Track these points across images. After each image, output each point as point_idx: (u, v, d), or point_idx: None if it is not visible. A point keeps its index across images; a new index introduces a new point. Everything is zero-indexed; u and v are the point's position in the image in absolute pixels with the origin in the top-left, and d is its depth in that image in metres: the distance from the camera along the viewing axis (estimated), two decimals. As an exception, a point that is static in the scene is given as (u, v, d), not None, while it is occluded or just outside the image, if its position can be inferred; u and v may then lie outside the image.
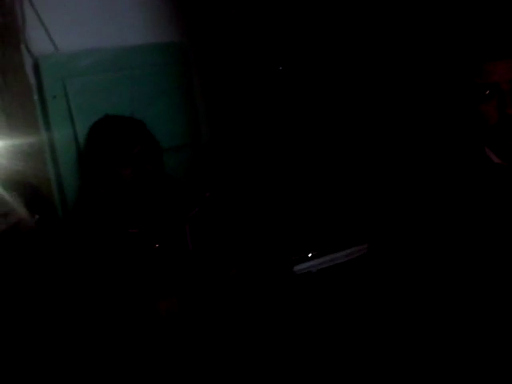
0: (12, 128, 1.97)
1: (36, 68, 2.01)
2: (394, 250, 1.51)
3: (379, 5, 2.25)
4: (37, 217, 1.72)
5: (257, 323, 1.79)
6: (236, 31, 2.36)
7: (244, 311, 1.81)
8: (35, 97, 2.03)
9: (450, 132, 1.62)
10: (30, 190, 1.88)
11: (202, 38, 2.33)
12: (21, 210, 1.85)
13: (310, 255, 2.00)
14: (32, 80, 2.02)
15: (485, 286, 1.32)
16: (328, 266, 1.99)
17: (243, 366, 1.69)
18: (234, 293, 1.84)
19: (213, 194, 2.02)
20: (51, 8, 2.03)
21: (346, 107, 2.40)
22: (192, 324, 1.75)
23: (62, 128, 2.06)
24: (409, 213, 1.48)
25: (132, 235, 1.79)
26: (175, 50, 2.23)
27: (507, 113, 1.20)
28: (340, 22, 2.34)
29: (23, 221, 1.79)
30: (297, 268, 1.97)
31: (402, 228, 1.49)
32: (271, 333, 1.77)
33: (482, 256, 1.32)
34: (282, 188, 2.34)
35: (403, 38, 2.20)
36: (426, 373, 1.39)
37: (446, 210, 1.38)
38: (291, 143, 2.40)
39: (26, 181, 1.89)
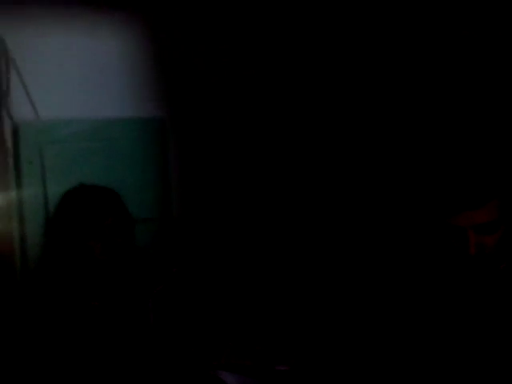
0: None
1: (15, 133, 2.04)
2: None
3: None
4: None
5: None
6: (215, 110, 2.46)
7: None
8: (10, 160, 2.05)
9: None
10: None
11: (182, 115, 2.41)
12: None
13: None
14: (9, 144, 2.04)
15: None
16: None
17: None
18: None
19: (180, 270, 2.01)
20: (36, 75, 2.09)
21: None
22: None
23: (34, 191, 2.07)
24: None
25: (93, 307, 1.76)
26: (153, 124, 2.29)
27: (470, 253, 1.41)
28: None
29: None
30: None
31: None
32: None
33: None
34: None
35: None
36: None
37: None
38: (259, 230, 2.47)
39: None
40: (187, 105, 2.40)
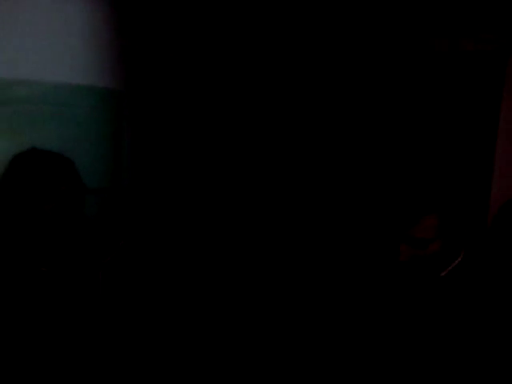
0: None
1: (-35, 89, 1.96)
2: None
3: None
4: None
5: None
6: (171, 83, 2.47)
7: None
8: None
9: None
10: None
11: (138, 88, 2.40)
12: None
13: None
14: (-42, 100, 1.96)
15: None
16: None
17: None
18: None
19: (126, 243, 2.04)
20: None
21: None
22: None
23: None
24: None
25: (42, 273, 1.76)
26: (110, 95, 2.27)
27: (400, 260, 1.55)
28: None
29: None
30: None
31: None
32: None
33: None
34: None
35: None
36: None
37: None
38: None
39: None
40: (145, 80, 2.39)
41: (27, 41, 2.08)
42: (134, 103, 2.39)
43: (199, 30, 2.53)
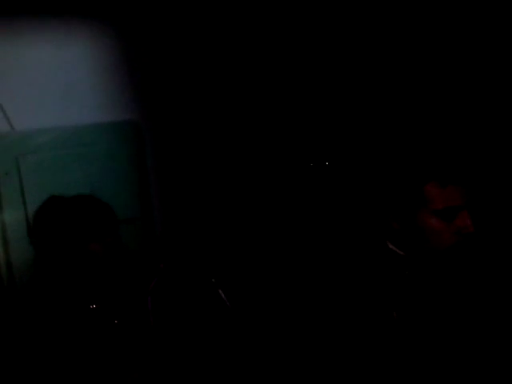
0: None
1: (-10, 146, 2.04)
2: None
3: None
4: None
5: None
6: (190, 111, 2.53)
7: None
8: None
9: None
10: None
11: (157, 117, 2.47)
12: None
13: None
14: (-15, 157, 2.04)
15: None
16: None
17: None
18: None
19: (167, 265, 2.09)
20: (8, 87, 2.10)
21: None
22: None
23: (12, 202, 2.08)
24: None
25: (92, 311, 1.81)
26: (129, 128, 2.34)
27: None
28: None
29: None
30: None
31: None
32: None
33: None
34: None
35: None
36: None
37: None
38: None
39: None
40: (160, 106, 2.45)
41: (40, 90, 2.16)
42: (152, 130, 2.45)
43: (213, 56, 2.58)
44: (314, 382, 1.61)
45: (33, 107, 2.14)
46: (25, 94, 2.13)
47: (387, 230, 1.58)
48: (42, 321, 1.82)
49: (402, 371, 1.49)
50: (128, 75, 2.35)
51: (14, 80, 2.10)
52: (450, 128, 2.23)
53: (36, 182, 2.10)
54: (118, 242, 1.91)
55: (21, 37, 2.11)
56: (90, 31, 2.26)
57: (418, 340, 1.50)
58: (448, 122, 2.25)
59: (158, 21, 2.44)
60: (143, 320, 1.87)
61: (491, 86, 2.13)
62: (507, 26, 2.06)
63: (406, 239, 1.53)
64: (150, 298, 1.90)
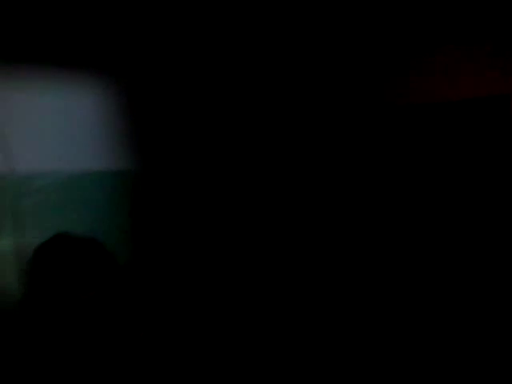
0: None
1: (-10, 186, 2.09)
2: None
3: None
4: None
5: None
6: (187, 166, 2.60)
7: None
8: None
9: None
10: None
11: (151, 167, 2.53)
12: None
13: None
14: (-15, 196, 2.09)
15: None
16: None
17: None
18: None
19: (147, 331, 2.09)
20: (11, 130, 2.16)
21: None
22: None
23: (8, 242, 2.10)
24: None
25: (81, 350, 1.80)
26: (126, 177, 2.40)
27: None
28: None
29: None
30: None
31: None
32: None
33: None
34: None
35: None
36: None
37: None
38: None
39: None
40: (156, 158, 2.52)
41: (43, 135, 2.22)
42: (148, 181, 2.50)
43: (208, 105, 2.68)
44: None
45: (35, 150, 2.20)
46: (28, 138, 2.19)
47: None
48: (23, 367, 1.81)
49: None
50: (127, 127, 2.44)
51: (17, 124, 2.17)
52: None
53: (33, 222, 2.13)
54: (115, 290, 1.90)
55: (29, 83, 2.21)
56: (94, 82, 2.37)
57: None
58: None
59: (158, 75, 2.55)
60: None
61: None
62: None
63: None
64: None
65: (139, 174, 2.45)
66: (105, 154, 2.36)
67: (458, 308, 1.72)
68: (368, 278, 2.22)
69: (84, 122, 2.33)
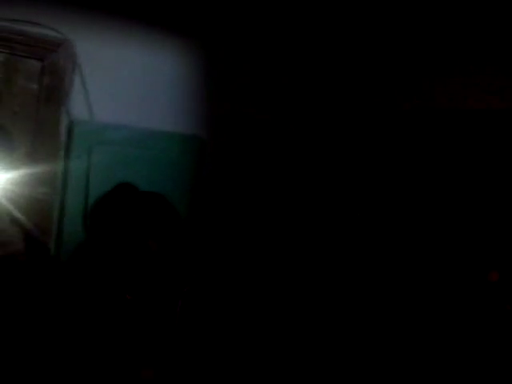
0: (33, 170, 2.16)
1: (70, 129, 2.22)
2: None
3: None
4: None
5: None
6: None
7: None
8: (61, 152, 2.23)
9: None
10: (29, 232, 2.05)
11: (221, 138, 2.65)
12: (20, 244, 2.02)
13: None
14: (63, 138, 2.23)
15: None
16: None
17: None
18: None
19: (203, 275, 2.22)
20: (96, 80, 2.29)
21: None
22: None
23: (77, 184, 2.25)
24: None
25: (126, 301, 1.94)
26: (194, 141, 2.51)
27: None
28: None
29: (19, 252, 1.94)
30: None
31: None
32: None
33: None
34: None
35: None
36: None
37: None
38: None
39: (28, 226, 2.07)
40: (227, 129, 2.63)
41: (123, 89, 2.35)
42: (216, 150, 2.61)
43: (287, 79, 2.76)
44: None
45: (114, 104, 2.32)
46: (110, 90, 2.31)
47: None
48: (79, 299, 1.97)
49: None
50: (206, 95, 2.55)
51: (102, 76, 2.29)
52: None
53: (102, 171, 2.27)
54: (177, 244, 2.03)
55: (117, 37, 2.32)
56: (179, 46, 2.48)
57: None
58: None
59: (243, 48, 2.64)
60: (170, 320, 2.00)
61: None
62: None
63: None
64: (181, 303, 2.03)
65: (209, 142, 2.57)
66: (180, 117, 2.48)
67: (458, 309, 1.77)
68: (375, 282, 2.27)
69: (164, 83, 2.45)
